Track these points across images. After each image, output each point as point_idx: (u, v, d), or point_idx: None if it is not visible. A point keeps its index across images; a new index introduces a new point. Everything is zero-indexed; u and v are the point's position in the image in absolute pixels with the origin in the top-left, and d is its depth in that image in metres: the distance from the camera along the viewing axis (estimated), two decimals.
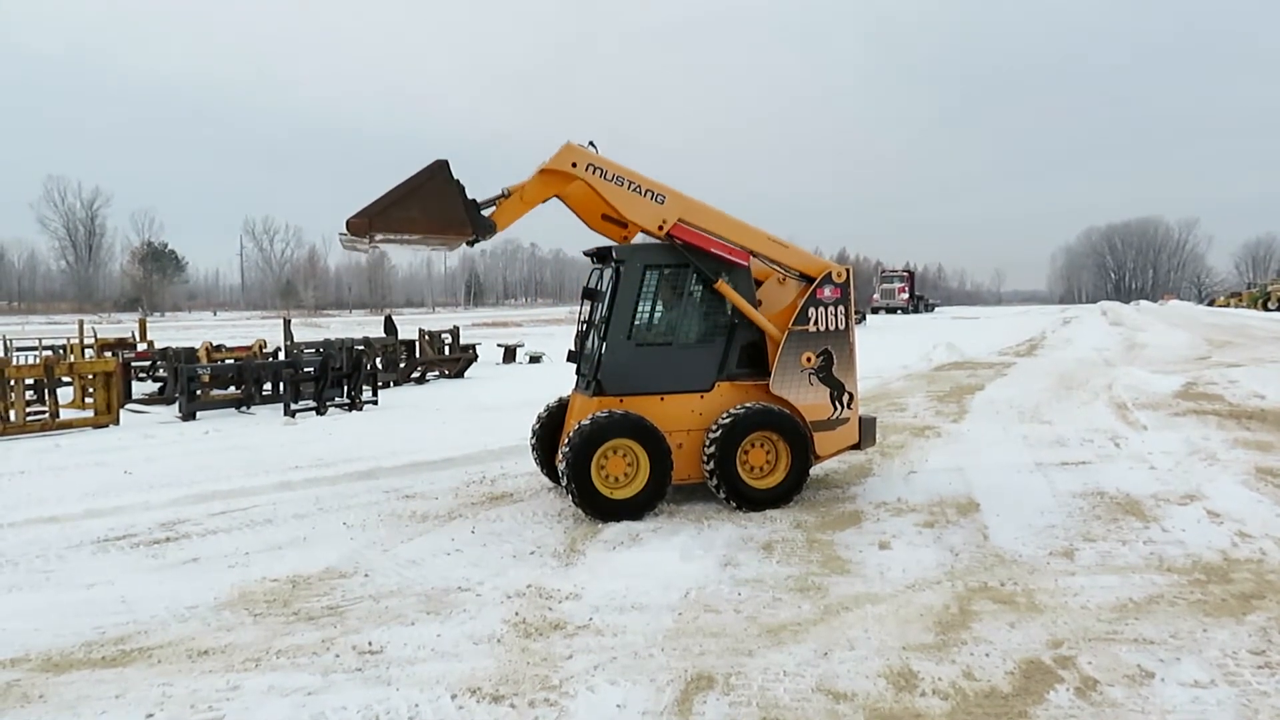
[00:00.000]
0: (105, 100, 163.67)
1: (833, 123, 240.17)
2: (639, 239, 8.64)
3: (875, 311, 73.48)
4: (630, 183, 8.02)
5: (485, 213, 7.85)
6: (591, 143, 8.11)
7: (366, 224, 7.43)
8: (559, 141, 7.95)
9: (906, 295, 79.72)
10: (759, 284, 8.61)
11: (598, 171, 7.95)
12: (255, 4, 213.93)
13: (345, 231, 7.54)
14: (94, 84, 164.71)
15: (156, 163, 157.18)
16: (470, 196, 7.75)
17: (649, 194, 8.06)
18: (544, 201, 8.21)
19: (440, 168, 7.62)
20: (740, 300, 8.20)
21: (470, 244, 8.11)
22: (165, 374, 18.08)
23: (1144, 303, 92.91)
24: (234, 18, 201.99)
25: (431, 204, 7.56)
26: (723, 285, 8.17)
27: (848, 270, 8.52)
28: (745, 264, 8.31)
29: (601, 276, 8.67)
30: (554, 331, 43.36)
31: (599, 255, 8.70)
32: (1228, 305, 71.71)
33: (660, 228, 8.10)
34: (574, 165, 7.92)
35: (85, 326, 22.53)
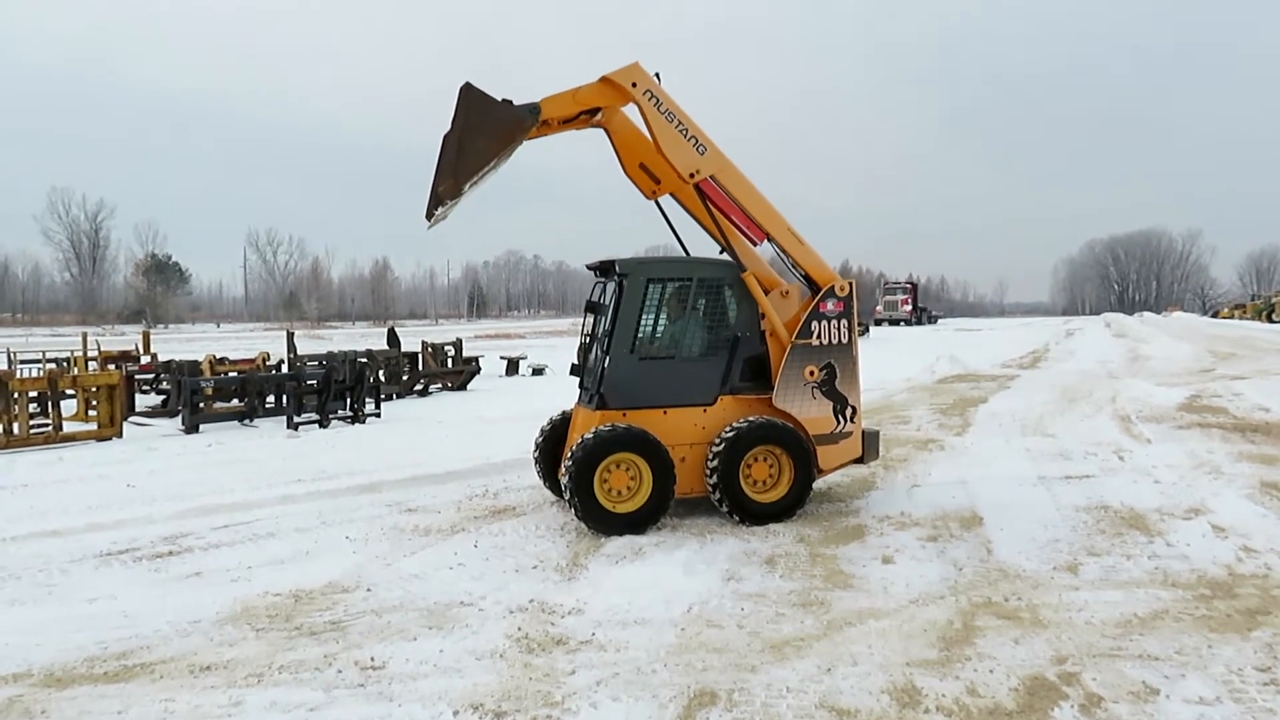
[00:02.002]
0: (108, 112, 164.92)
1: (834, 134, 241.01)
2: (643, 252, 8.64)
3: (878, 323, 73.54)
4: (679, 122, 8.03)
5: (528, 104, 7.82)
6: (657, 74, 8.13)
7: (454, 184, 7.42)
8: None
9: (909, 307, 79.84)
10: (766, 290, 8.60)
11: (653, 99, 7.96)
12: (259, 17, 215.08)
13: (435, 210, 7.54)
14: (97, 96, 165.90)
15: (160, 174, 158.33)
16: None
17: (693, 140, 8.08)
18: (590, 116, 8.18)
19: (469, 89, 7.59)
20: (761, 296, 8.20)
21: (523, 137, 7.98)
22: (169, 387, 18.09)
23: (1147, 314, 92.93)
24: (237, 30, 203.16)
25: (487, 124, 7.54)
26: (749, 278, 8.17)
27: (851, 284, 8.52)
28: (759, 243, 8.32)
29: (604, 290, 8.68)
30: (556, 344, 43.40)
31: (602, 268, 8.71)
32: (1231, 317, 71.69)
33: (691, 176, 8.10)
34: (634, 85, 7.93)
35: (89, 339, 22.58)
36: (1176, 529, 7.57)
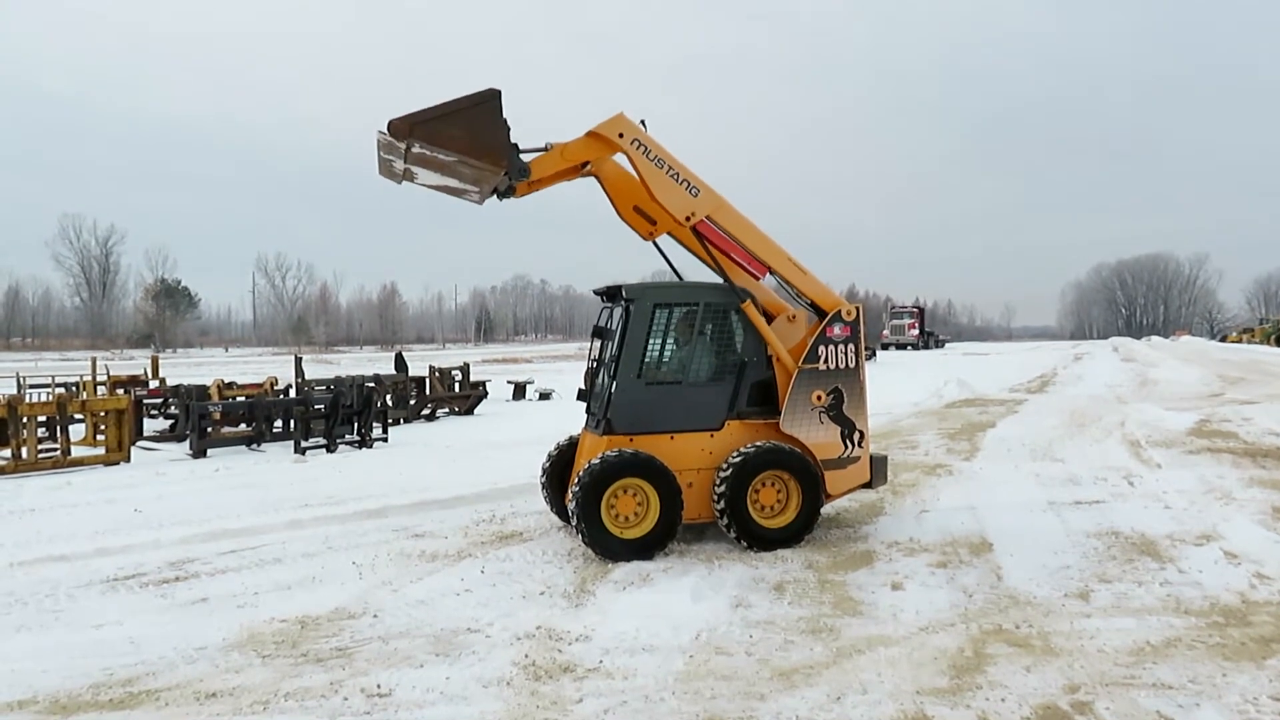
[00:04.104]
0: (120, 138, 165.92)
1: (842, 159, 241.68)
2: (636, 278, 8.66)
3: (885, 348, 73.41)
4: (670, 168, 8.04)
5: (525, 159, 7.82)
6: (643, 121, 8.15)
7: (408, 128, 7.29)
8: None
9: (916, 331, 79.63)
10: (770, 319, 8.61)
11: (641, 148, 7.97)
12: (269, 43, 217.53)
13: (385, 131, 7.42)
14: (107, 123, 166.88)
15: (171, 200, 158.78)
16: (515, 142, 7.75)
17: (685, 184, 8.08)
18: (580, 169, 8.19)
19: (492, 96, 7.55)
20: (763, 324, 8.20)
21: (499, 194, 8.01)
22: (177, 411, 18.13)
23: (1156, 338, 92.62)
24: (247, 58, 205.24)
25: (478, 127, 7.48)
26: (748, 306, 8.18)
27: (858, 308, 8.52)
28: (760, 277, 8.33)
29: (611, 315, 8.70)
30: (564, 368, 43.42)
31: (609, 294, 8.73)
32: (1240, 341, 71.44)
33: (687, 219, 8.11)
34: (620, 135, 7.95)
35: (98, 363, 22.67)
36: (1188, 555, 7.51)
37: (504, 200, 8.19)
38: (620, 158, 8.24)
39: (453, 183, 8.09)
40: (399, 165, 7.90)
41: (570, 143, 8.05)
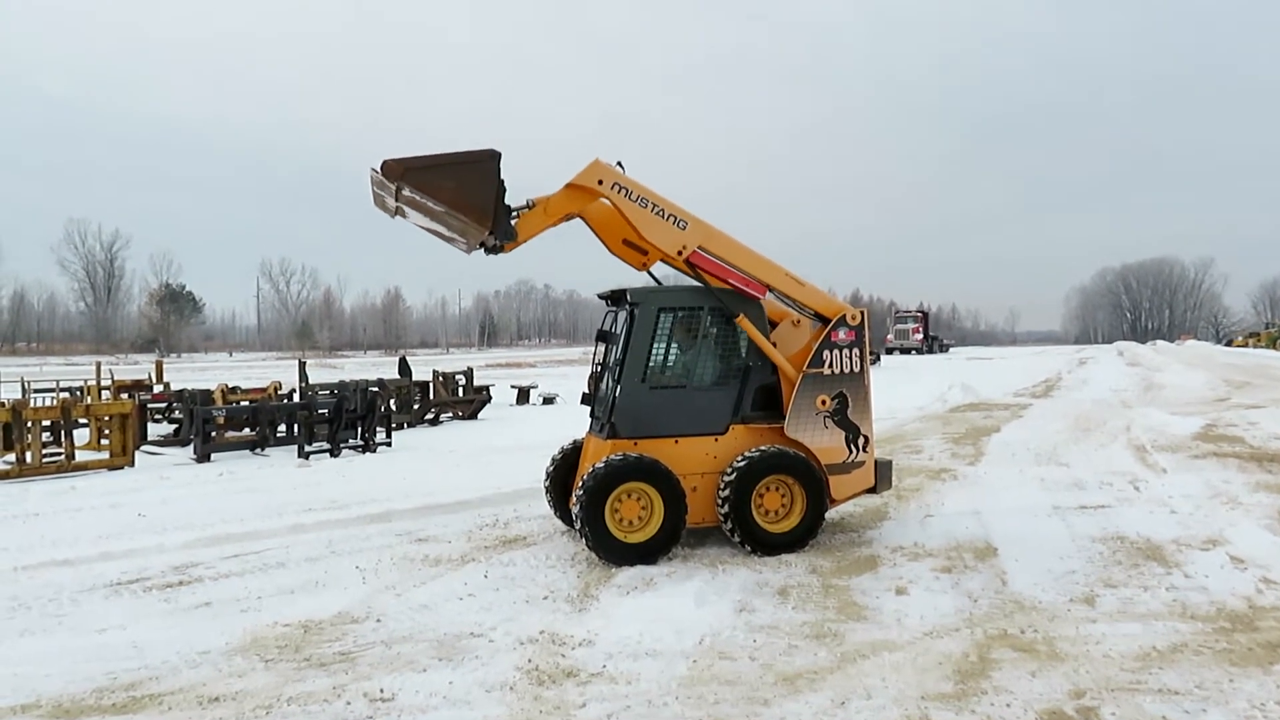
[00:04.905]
0: (125, 143, 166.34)
1: (843, 163, 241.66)
2: (644, 278, 8.65)
3: (889, 352, 73.32)
4: (654, 205, 8.04)
5: (512, 221, 7.86)
6: (619, 163, 8.15)
7: (400, 171, 7.37)
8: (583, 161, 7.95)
9: (921, 336, 79.57)
10: (774, 325, 8.61)
11: (623, 191, 7.98)
12: (272, 48, 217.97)
13: (378, 170, 7.48)
14: (111, 128, 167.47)
15: (176, 205, 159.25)
16: (512, 205, 7.79)
17: (671, 218, 8.08)
18: (566, 218, 8.21)
19: (491, 156, 7.63)
20: (759, 336, 8.20)
21: (486, 249, 8.06)
22: (181, 416, 18.16)
23: (1161, 343, 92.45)
24: (249, 61, 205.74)
25: (469, 182, 7.54)
26: (743, 320, 8.17)
27: (863, 313, 8.51)
28: (760, 297, 8.32)
29: (616, 319, 8.70)
30: (568, 372, 43.42)
31: (613, 298, 8.73)
32: (1246, 345, 71.27)
33: (679, 253, 8.10)
34: (600, 182, 7.95)
35: (102, 368, 22.71)
36: (1194, 560, 7.48)
37: (491, 255, 8.20)
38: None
39: (441, 230, 8.20)
40: (391, 202, 8.00)
41: (552, 198, 8.07)
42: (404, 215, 8.21)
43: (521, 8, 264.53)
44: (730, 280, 8.19)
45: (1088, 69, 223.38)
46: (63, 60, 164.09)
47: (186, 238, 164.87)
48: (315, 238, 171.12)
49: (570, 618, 6.31)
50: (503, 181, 7.71)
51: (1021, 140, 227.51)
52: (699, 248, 8.14)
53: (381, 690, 5.03)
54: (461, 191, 7.53)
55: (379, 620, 6.30)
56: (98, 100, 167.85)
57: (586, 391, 9.00)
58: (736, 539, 7.87)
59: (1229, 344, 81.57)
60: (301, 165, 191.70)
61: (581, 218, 8.36)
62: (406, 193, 7.58)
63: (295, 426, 16.17)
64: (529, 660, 5.46)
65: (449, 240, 8.45)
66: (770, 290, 8.43)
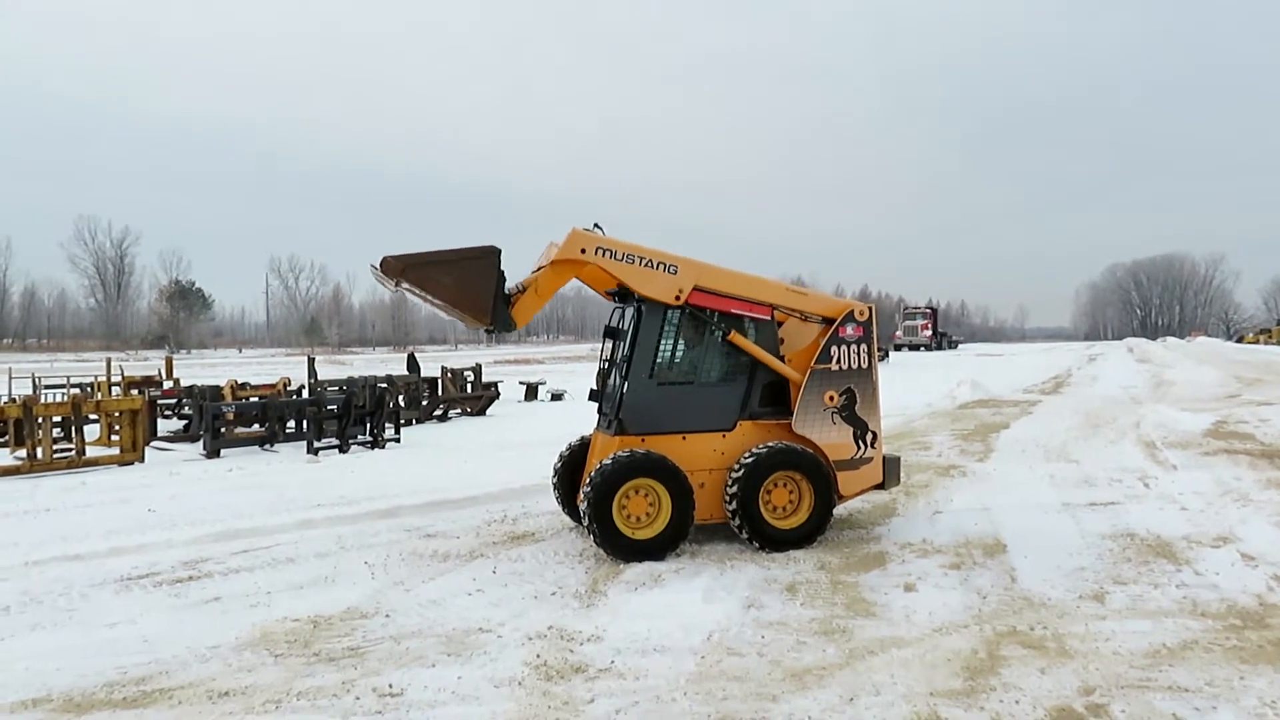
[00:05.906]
0: (135, 141, 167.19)
1: (853, 160, 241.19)
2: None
3: (898, 349, 73.20)
4: (641, 259, 8.06)
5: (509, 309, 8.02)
6: (596, 224, 8.22)
7: (399, 269, 7.57)
8: (564, 231, 8.05)
9: (929, 332, 79.42)
10: (780, 323, 8.60)
11: (607, 254, 7.99)
12: (282, 46, 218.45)
13: (377, 267, 7.64)
14: (121, 125, 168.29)
15: (185, 202, 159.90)
16: (506, 290, 7.94)
17: (661, 266, 8.10)
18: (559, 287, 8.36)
19: (490, 253, 7.80)
20: (757, 350, 8.21)
21: (487, 331, 8.20)
22: (190, 412, 18.23)
23: (1171, 339, 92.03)
24: (258, 59, 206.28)
25: (467, 281, 7.73)
26: (736, 337, 8.20)
27: (870, 309, 8.49)
28: (768, 319, 8.33)
29: (624, 315, 8.69)
30: (575, 369, 43.44)
31: (621, 294, 8.72)
32: (1257, 342, 70.96)
33: (677, 298, 8.12)
34: (583, 251, 7.97)
35: (112, 364, 22.81)
36: (1205, 557, 7.45)
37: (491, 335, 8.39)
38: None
39: (441, 314, 8.43)
40: (390, 286, 8.17)
41: (540, 278, 8.12)
42: (404, 292, 8.39)
43: (531, 7, 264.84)
44: (734, 310, 8.21)
45: (1096, 67, 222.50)
46: (73, 60, 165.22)
47: (196, 234, 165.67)
48: (324, 234, 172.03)
49: (578, 613, 6.31)
50: (503, 273, 7.85)
51: (1031, 137, 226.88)
52: (695, 287, 8.15)
53: (390, 685, 5.05)
54: (460, 288, 7.74)
55: (388, 616, 6.32)
56: (109, 99, 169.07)
57: (594, 388, 9.00)
58: (744, 535, 7.86)
59: (1240, 340, 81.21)
60: (311, 162, 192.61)
61: (576, 278, 8.51)
62: (405, 286, 7.81)
63: (304, 423, 16.21)
64: (537, 656, 5.46)
65: (450, 316, 8.65)
66: (775, 308, 8.44)
